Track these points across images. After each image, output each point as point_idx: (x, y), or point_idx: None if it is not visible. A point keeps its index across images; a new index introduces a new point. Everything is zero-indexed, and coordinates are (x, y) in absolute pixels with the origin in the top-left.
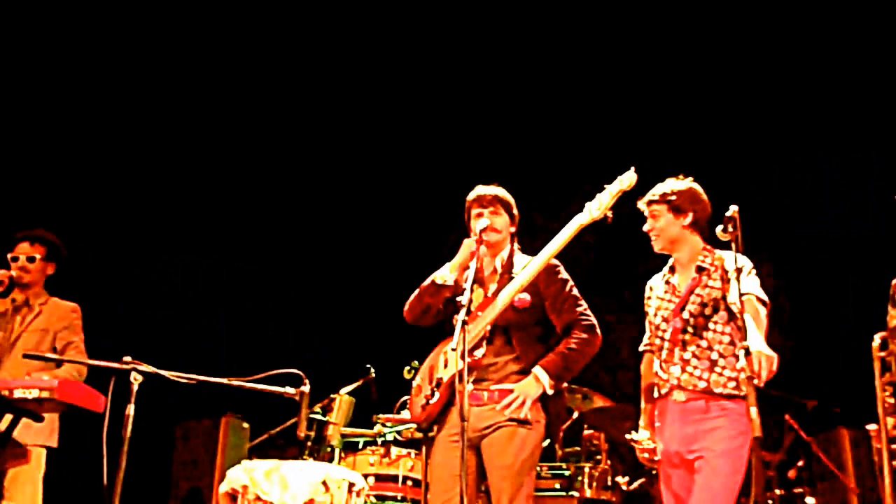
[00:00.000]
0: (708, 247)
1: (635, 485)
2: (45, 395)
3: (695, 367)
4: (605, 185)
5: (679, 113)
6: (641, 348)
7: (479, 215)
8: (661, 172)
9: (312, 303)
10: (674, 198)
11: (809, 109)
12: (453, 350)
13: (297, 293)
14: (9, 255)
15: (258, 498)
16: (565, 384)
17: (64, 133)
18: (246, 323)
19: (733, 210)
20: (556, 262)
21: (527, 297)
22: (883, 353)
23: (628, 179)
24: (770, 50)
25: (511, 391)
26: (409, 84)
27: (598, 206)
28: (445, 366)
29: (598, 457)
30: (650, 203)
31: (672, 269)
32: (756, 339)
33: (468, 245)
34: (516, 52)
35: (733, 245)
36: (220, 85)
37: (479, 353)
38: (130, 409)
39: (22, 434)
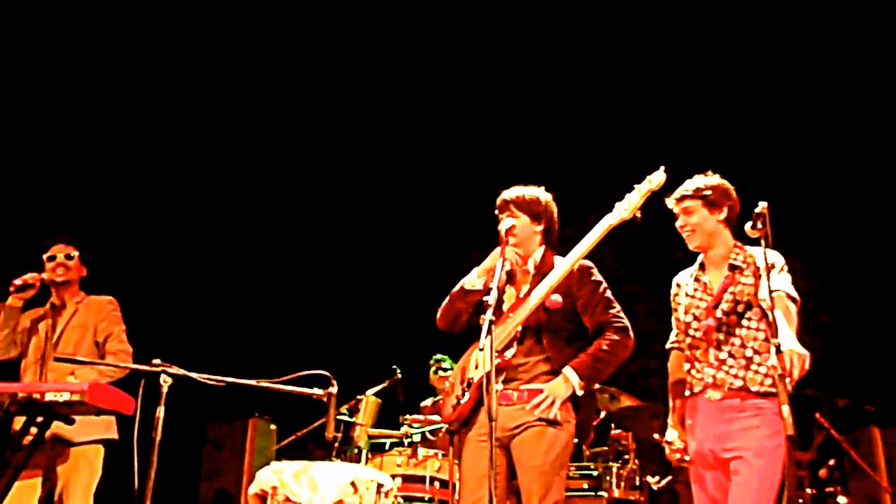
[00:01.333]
0: (738, 244)
1: (663, 482)
2: (75, 398)
3: (730, 366)
4: (634, 185)
5: (705, 109)
6: (668, 346)
7: (501, 219)
8: (688, 169)
9: (339, 304)
10: (709, 192)
11: (838, 103)
12: (480, 350)
13: (324, 294)
14: (44, 256)
15: (287, 499)
16: (596, 385)
17: (90, 141)
18: (272, 324)
19: (762, 206)
20: (589, 263)
21: (558, 298)
22: None
23: (657, 178)
24: (797, 43)
25: (541, 391)
26: (441, 83)
27: (627, 206)
28: (476, 367)
29: (626, 456)
30: (683, 199)
31: (702, 267)
32: (787, 337)
33: (496, 250)
34: (542, 52)
35: (763, 242)
36: (249, 90)
37: (509, 353)
38: (160, 412)
39: (79, 431)
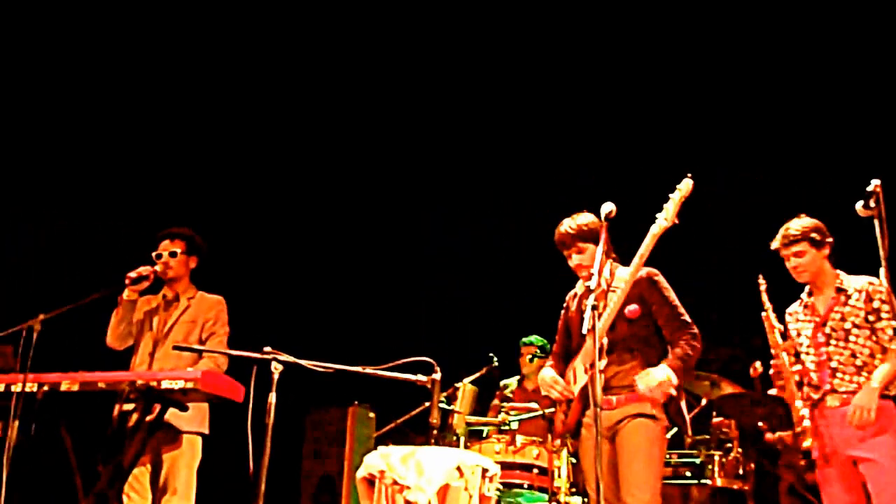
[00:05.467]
0: (837, 272)
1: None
2: (189, 385)
3: (843, 374)
4: (669, 195)
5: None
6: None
7: (569, 258)
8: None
9: (436, 293)
10: (815, 235)
11: None
12: (582, 335)
13: (421, 283)
14: (153, 254)
15: (395, 482)
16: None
17: (211, 137)
18: (370, 313)
19: (875, 184)
20: (654, 270)
21: (636, 307)
22: None
23: (686, 186)
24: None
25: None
26: (485, 84)
27: (666, 215)
28: (575, 381)
29: (729, 444)
30: (791, 244)
31: (809, 294)
32: (867, 391)
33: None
34: (575, 61)
35: (876, 222)
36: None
37: (601, 364)
38: (272, 398)
39: (176, 423)
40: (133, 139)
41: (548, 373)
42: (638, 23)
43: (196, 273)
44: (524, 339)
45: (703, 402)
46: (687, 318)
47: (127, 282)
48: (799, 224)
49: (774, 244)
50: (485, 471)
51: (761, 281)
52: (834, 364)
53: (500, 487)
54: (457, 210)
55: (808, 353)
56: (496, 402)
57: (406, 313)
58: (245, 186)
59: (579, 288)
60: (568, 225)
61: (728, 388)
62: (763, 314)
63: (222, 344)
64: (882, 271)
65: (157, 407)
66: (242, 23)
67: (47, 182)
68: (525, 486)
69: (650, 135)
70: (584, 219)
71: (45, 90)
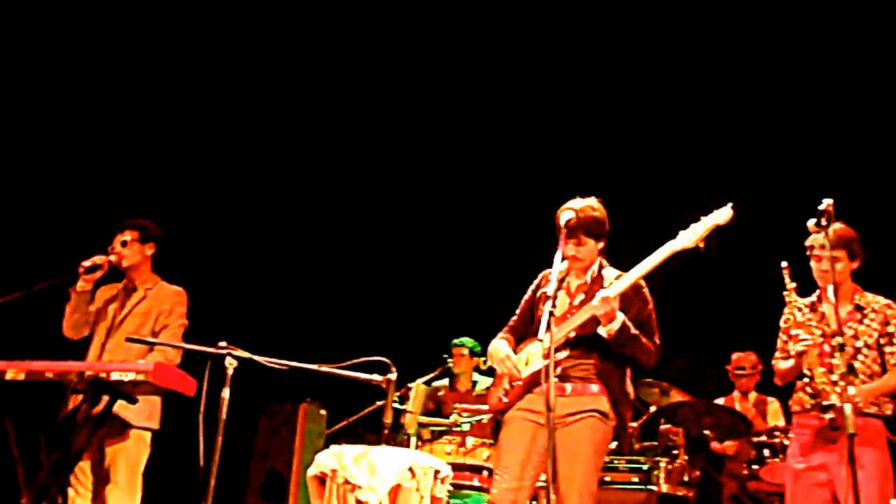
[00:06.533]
0: (858, 287)
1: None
2: (140, 377)
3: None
4: (701, 216)
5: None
6: (774, 361)
7: (566, 243)
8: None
9: (387, 293)
10: (854, 245)
11: None
12: (540, 340)
13: (373, 283)
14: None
15: (347, 481)
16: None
17: (171, 128)
18: (320, 311)
19: (827, 203)
20: (641, 281)
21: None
22: None
23: (725, 215)
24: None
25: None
26: (485, 84)
27: (691, 236)
28: (527, 364)
29: (675, 451)
30: (832, 248)
31: (820, 299)
32: (873, 386)
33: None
34: (587, 67)
35: (825, 240)
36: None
37: (561, 355)
38: (226, 393)
39: (126, 416)
40: (98, 129)
41: (502, 346)
42: (636, 25)
43: (182, 267)
44: (455, 341)
45: (652, 409)
46: (655, 337)
47: (80, 271)
48: (843, 231)
49: (809, 241)
50: (437, 472)
51: (785, 265)
52: (834, 377)
53: (450, 488)
54: (457, 210)
55: (804, 354)
56: (430, 405)
57: (405, 312)
58: (241, 186)
59: (557, 272)
60: (578, 211)
61: (677, 397)
62: (785, 292)
63: (176, 337)
64: (830, 289)
65: (106, 398)
66: (242, 23)
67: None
68: (476, 486)
69: (650, 135)
70: (594, 211)
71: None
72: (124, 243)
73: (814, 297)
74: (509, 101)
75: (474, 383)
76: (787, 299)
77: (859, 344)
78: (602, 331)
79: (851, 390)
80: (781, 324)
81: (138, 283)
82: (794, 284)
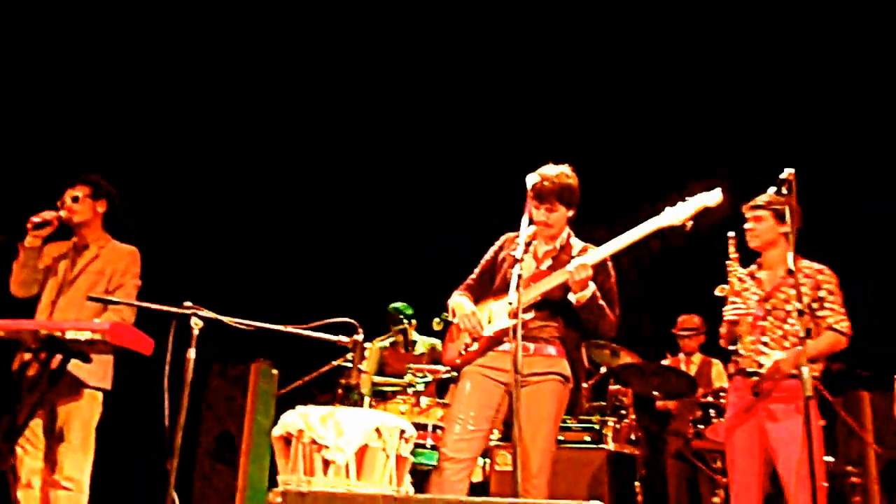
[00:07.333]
0: (797, 255)
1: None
2: (96, 336)
3: (771, 351)
4: (687, 197)
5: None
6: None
7: (538, 208)
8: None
9: (438, 293)
10: (778, 207)
11: None
12: (509, 304)
13: (373, 282)
14: (58, 202)
15: (314, 441)
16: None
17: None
18: (323, 311)
19: (789, 172)
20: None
21: None
22: None
23: (714, 198)
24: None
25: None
26: (485, 84)
27: (679, 214)
28: (490, 322)
29: (623, 411)
30: (755, 208)
31: (759, 266)
32: (794, 352)
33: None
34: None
35: (787, 209)
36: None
37: (527, 316)
38: (191, 353)
39: (79, 375)
40: (49, 81)
41: (466, 302)
42: (635, 26)
43: (116, 225)
44: (392, 306)
45: (603, 369)
46: (616, 305)
47: (29, 226)
48: (769, 195)
49: (744, 208)
50: (402, 432)
51: (731, 235)
52: (766, 339)
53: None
54: (457, 210)
55: (738, 320)
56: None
57: (435, 296)
58: (237, 187)
59: (525, 236)
60: (553, 178)
61: (627, 358)
62: (728, 262)
63: (130, 296)
64: (790, 255)
65: (59, 357)
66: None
67: None
68: (429, 446)
69: (649, 136)
70: (568, 178)
71: None
72: (75, 199)
73: (753, 266)
74: (509, 102)
75: (413, 343)
76: (728, 269)
77: (789, 308)
78: (573, 297)
79: (779, 354)
80: (717, 292)
81: (90, 240)
82: (736, 255)
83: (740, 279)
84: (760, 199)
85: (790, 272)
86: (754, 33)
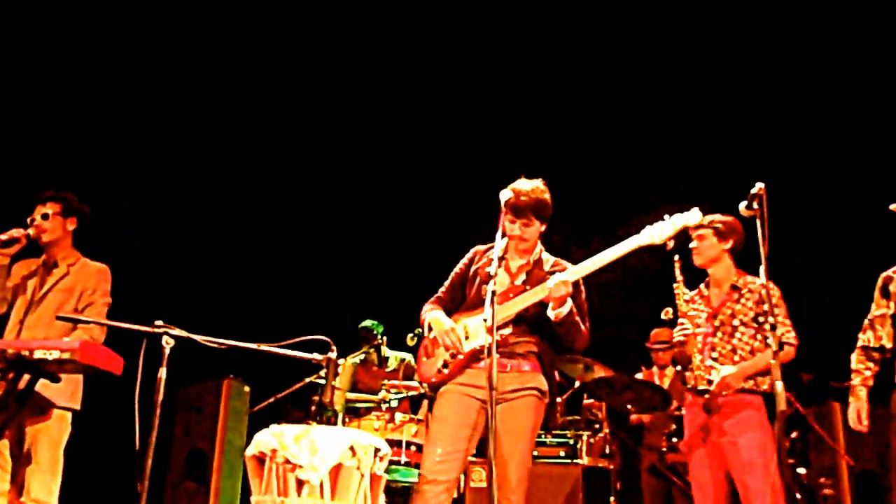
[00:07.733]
0: (740, 270)
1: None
2: (65, 356)
3: (721, 366)
4: (666, 216)
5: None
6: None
7: (513, 222)
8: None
9: (387, 293)
10: (720, 225)
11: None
12: (485, 321)
13: (373, 283)
14: (28, 219)
15: (287, 461)
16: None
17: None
18: (322, 311)
19: (759, 187)
20: None
21: None
22: (864, 338)
23: (695, 217)
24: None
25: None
26: (485, 84)
27: (659, 233)
28: (467, 338)
29: (597, 425)
30: (699, 227)
31: (707, 285)
32: (742, 366)
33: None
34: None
35: (758, 223)
36: (254, 60)
37: (505, 331)
38: (162, 373)
39: (48, 395)
40: (21, 96)
41: (443, 317)
42: (634, 30)
43: (86, 241)
44: (363, 324)
45: (577, 384)
46: (587, 320)
47: None
48: (713, 216)
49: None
50: (377, 450)
51: (676, 258)
52: (715, 355)
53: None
54: (457, 210)
55: (688, 339)
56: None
57: (405, 312)
58: (230, 183)
59: (499, 250)
60: (528, 193)
61: (600, 372)
62: (675, 285)
63: (100, 315)
64: (762, 270)
65: (27, 377)
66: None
67: None
68: (402, 462)
69: (649, 136)
70: (543, 193)
71: None
72: (45, 216)
73: (702, 285)
74: (510, 102)
75: (386, 359)
76: (675, 291)
77: (736, 322)
78: (551, 313)
79: (729, 369)
80: (662, 316)
81: (59, 258)
82: (681, 277)
83: (687, 301)
84: (704, 220)
85: (734, 288)
86: (730, 47)
